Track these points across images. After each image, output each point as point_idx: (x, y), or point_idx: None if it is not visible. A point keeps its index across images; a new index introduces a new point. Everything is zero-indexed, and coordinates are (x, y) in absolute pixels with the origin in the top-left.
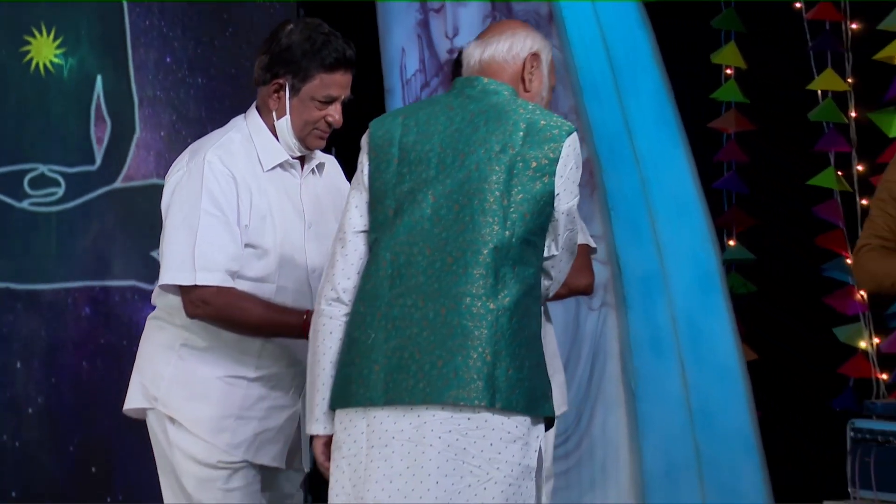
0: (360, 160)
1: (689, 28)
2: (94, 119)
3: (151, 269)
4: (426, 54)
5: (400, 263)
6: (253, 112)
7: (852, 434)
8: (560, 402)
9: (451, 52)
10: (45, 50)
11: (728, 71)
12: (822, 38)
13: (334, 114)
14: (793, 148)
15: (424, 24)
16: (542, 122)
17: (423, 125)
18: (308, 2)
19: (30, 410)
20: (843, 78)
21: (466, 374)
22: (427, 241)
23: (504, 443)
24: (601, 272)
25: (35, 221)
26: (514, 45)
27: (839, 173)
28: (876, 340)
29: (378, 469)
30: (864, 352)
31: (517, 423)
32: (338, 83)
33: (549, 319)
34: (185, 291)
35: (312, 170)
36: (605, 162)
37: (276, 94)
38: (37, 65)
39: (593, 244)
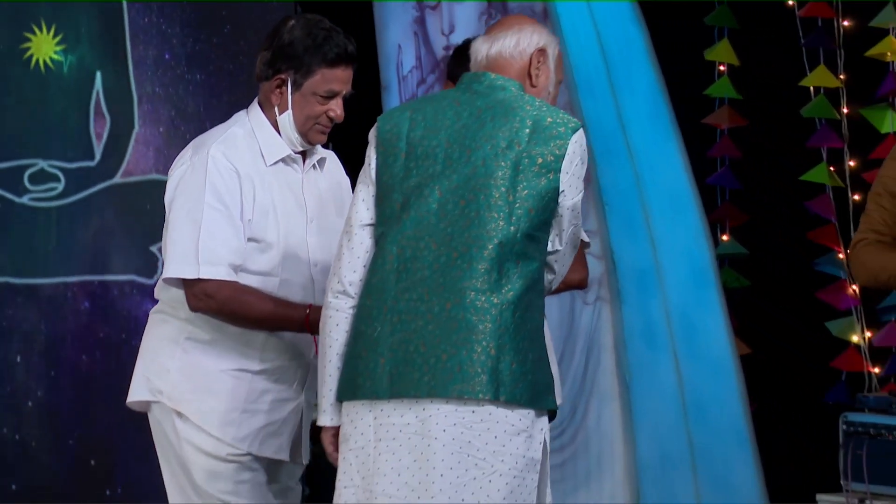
0: (367, 154)
1: (682, 25)
2: (93, 115)
3: (150, 264)
4: (422, 51)
5: (406, 258)
6: (255, 107)
7: (845, 427)
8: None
9: (446, 48)
10: (45, 46)
11: (721, 67)
12: (815, 35)
13: (336, 108)
14: (785, 144)
15: (421, 22)
16: (549, 120)
17: (431, 120)
18: (305, 0)
19: (29, 404)
20: (836, 74)
21: (471, 368)
22: (433, 236)
23: (508, 435)
24: (595, 267)
25: (35, 216)
26: (521, 41)
27: (831, 169)
28: (868, 334)
29: (386, 462)
30: (857, 346)
31: (521, 416)
32: (339, 78)
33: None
34: (188, 285)
35: (314, 165)
36: (600, 157)
37: (278, 90)
38: (37, 61)
39: (587, 239)
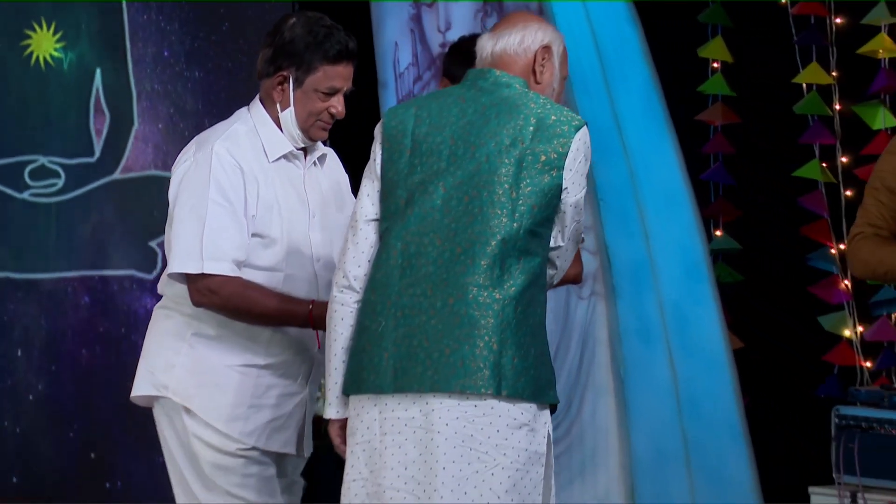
0: (373, 150)
1: (676, 23)
2: (93, 112)
3: (150, 259)
4: (419, 48)
5: (410, 253)
6: (257, 104)
7: (837, 420)
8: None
9: (443, 45)
10: (45, 44)
11: (715, 65)
12: (807, 33)
13: (337, 105)
14: (778, 140)
15: (417, 19)
16: (553, 118)
17: (436, 116)
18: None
19: (30, 397)
20: (828, 71)
21: (473, 362)
22: (437, 232)
23: (510, 429)
24: (590, 262)
25: (35, 212)
26: (526, 38)
27: (824, 165)
28: (860, 329)
29: (392, 456)
30: (849, 340)
31: (523, 410)
32: (340, 75)
33: None
34: (191, 280)
35: (315, 161)
36: (595, 154)
37: (279, 87)
38: (37, 58)
39: (582, 234)
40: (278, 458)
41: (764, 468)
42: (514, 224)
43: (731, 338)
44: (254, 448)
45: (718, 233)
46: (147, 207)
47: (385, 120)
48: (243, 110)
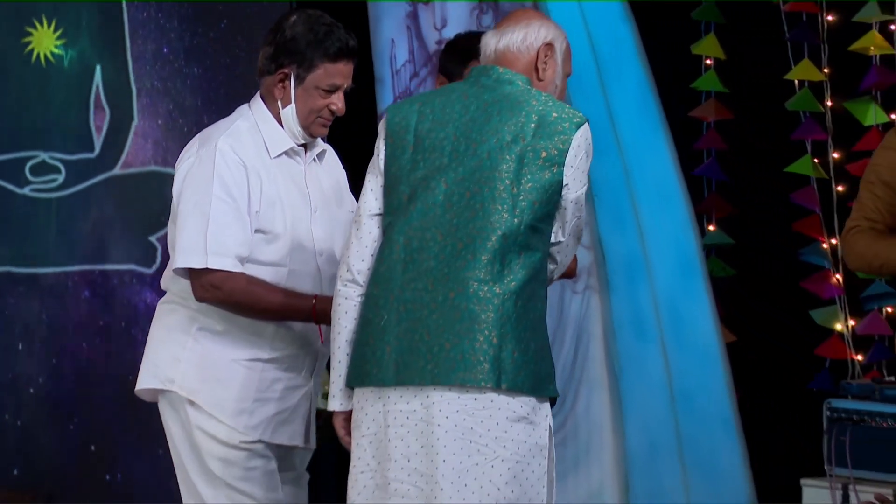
0: (377, 145)
1: (670, 21)
2: (93, 108)
3: (149, 254)
4: (415, 45)
5: (413, 248)
6: (258, 101)
7: (828, 413)
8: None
9: (439, 43)
10: (45, 41)
11: (708, 61)
12: (799, 30)
13: (337, 102)
14: (771, 136)
15: (413, 17)
16: (554, 115)
17: (439, 113)
18: None
19: (31, 390)
20: (820, 68)
21: (473, 356)
22: (439, 227)
23: (510, 422)
24: (585, 257)
25: (36, 207)
26: (529, 36)
27: (816, 161)
28: (851, 323)
29: (396, 448)
30: (840, 334)
31: (522, 403)
32: (341, 72)
33: None
34: (195, 275)
35: (315, 157)
36: None
37: (281, 84)
38: (38, 55)
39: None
40: (285, 452)
41: (756, 461)
42: (515, 220)
43: (724, 332)
44: (258, 441)
45: (711, 228)
46: (147, 202)
47: (388, 116)
48: (244, 107)
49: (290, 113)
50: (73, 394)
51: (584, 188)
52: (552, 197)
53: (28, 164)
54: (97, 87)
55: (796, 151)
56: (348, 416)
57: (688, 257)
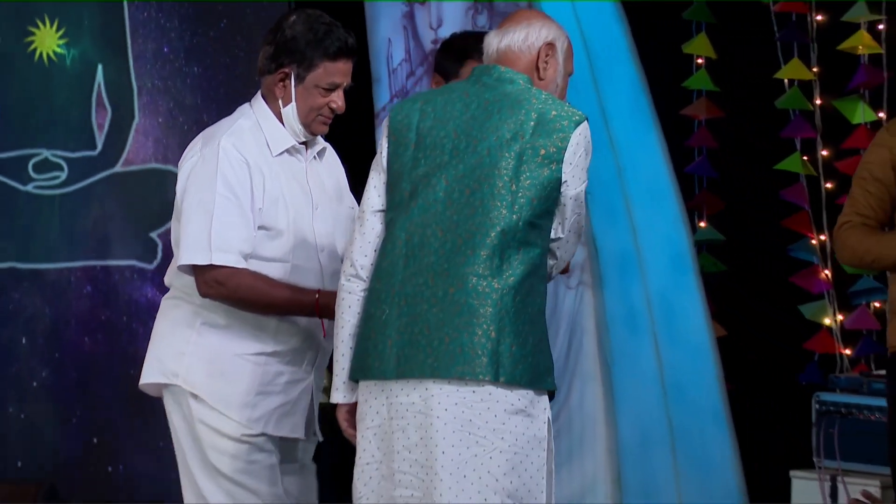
0: (380, 143)
1: (662, 21)
2: (95, 106)
3: (150, 250)
4: (411, 45)
5: (414, 244)
6: (259, 100)
7: (817, 406)
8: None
9: (435, 42)
10: (48, 40)
11: (699, 60)
12: (789, 30)
13: (337, 100)
14: (761, 134)
15: (410, 17)
16: (553, 113)
17: (440, 111)
18: None
19: (34, 384)
20: (809, 67)
21: (472, 350)
22: (440, 223)
23: (507, 414)
24: (578, 252)
25: (39, 204)
26: (530, 35)
27: (805, 158)
28: (840, 317)
29: (398, 440)
30: (829, 328)
31: (520, 396)
32: (340, 71)
33: None
34: (199, 271)
35: (315, 155)
36: None
37: (281, 83)
38: (41, 55)
39: None
40: (286, 445)
41: (746, 453)
42: (514, 216)
43: (715, 326)
44: (261, 435)
45: (703, 224)
46: (148, 199)
47: (392, 114)
48: (245, 106)
49: (290, 111)
50: (75, 387)
51: (584, 185)
52: (551, 194)
53: (31, 162)
54: (99, 86)
55: (786, 149)
56: (351, 408)
57: (679, 253)
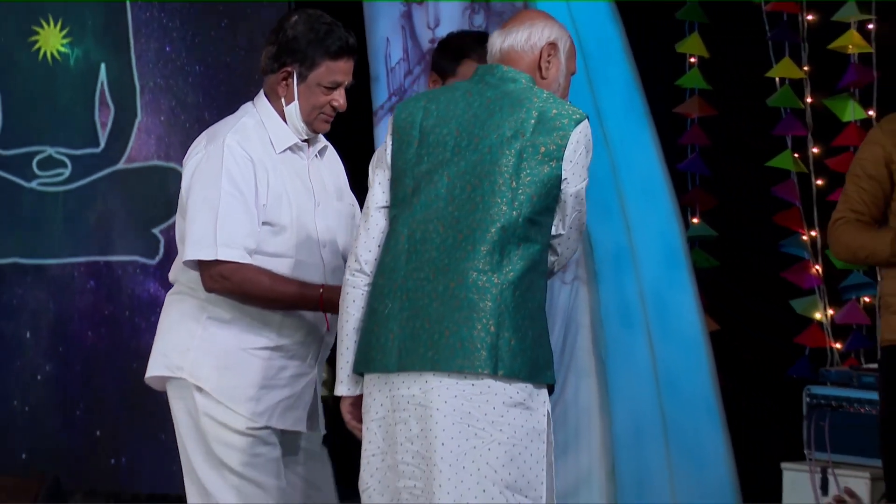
0: (384, 140)
1: (655, 20)
2: (98, 105)
3: (153, 246)
4: (409, 44)
5: (416, 239)
6: (262, 98)
7: (808, 400)
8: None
9: (432, 41)
10: (52, 40)
11: (692, 59)
12: (780, 29)
13: (339, 98)
14: (752, 132)
15: (408, 16)
16: (554, 112)
17: (443, 109)
18: None
19: (38, 377)
20: (800, 66)
21: (471, 344)
22: (441, 219)
23: (506, 407)
24: None
25: (43, 200)
26: (532, 35)
27: (796, 155)
28: (830, 312)
29: (400, 432)
30: (819, 323)
31: (518, 389)
32: (342, 70)
33: None
34: (204, 267)
35: (316, 153)
36: None
37: (284, 82)
38: (44, 54)
39: None
40: (288, 437)
41: (738, 445)
42: (514, 212)
43: (708, 321)
44: (265, 428)
45: (695, 220)
46: (150, 196)
47: (396, 112)
48: (249, 105)
49: (293, 110)
50: (79, 381)
51: (585, 183)
52: (551, 191)
53: (35, 159)
54: (102, 85)
55: (777, 146)
56: (355, 401)
57: (672, 249)
